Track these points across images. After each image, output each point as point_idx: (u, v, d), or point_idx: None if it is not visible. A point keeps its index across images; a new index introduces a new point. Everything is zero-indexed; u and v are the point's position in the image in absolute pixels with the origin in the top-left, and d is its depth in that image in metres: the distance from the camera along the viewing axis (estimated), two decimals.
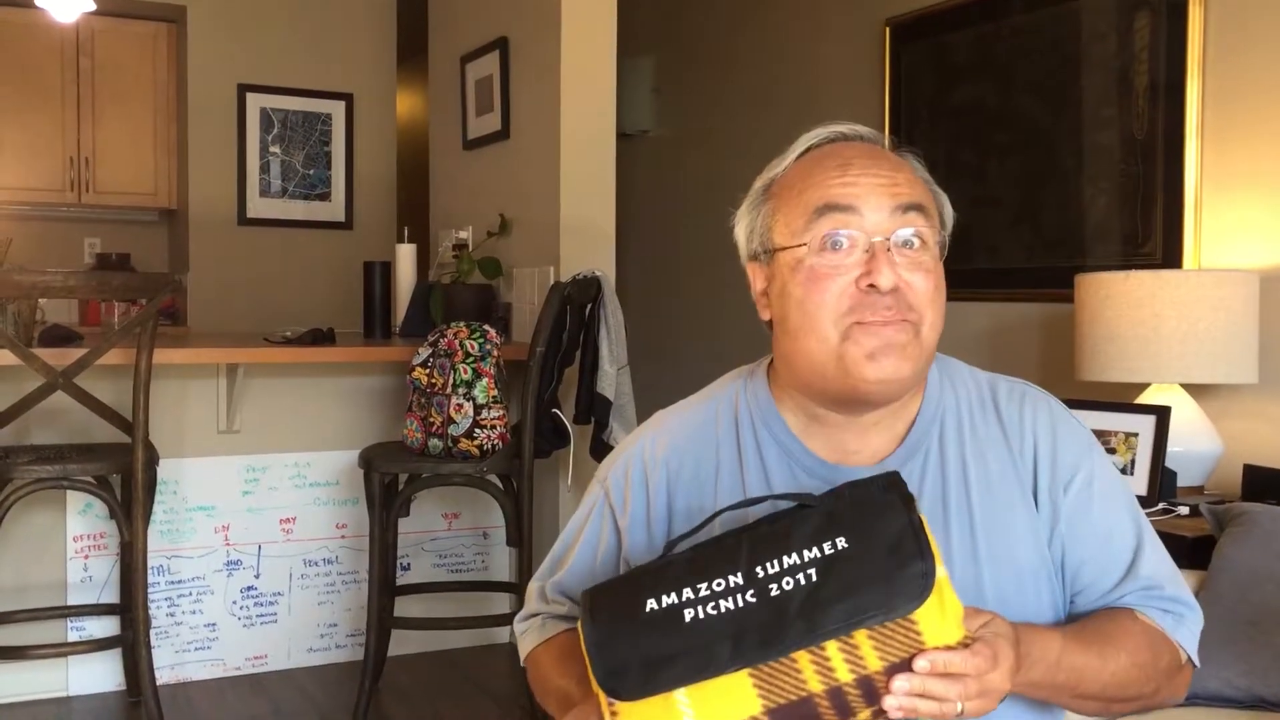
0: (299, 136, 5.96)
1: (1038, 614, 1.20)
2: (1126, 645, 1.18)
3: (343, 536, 3.90)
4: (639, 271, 5.16)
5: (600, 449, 3.45)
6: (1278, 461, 2.68)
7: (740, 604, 1.00)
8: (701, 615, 1.01)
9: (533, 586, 1.39)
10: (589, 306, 3.49)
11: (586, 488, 1.39)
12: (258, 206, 5.89)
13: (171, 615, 3.66)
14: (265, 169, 5.89)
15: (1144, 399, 2.77)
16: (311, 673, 3.80)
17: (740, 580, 1.01)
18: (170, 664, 3.60)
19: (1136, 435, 2.69)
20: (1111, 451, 2.73)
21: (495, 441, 3.27)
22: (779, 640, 0.98)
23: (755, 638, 0.99)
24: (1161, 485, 2.62)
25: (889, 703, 0.98)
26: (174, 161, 5.92)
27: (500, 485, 3.38)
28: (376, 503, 3.31)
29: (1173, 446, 2.65)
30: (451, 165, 4.80)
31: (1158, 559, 1.24)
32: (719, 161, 4.94)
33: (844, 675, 0.98)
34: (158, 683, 3.19)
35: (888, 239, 1.16)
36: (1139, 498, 2.62)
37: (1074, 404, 2.83)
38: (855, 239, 1.16)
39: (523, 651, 1.37)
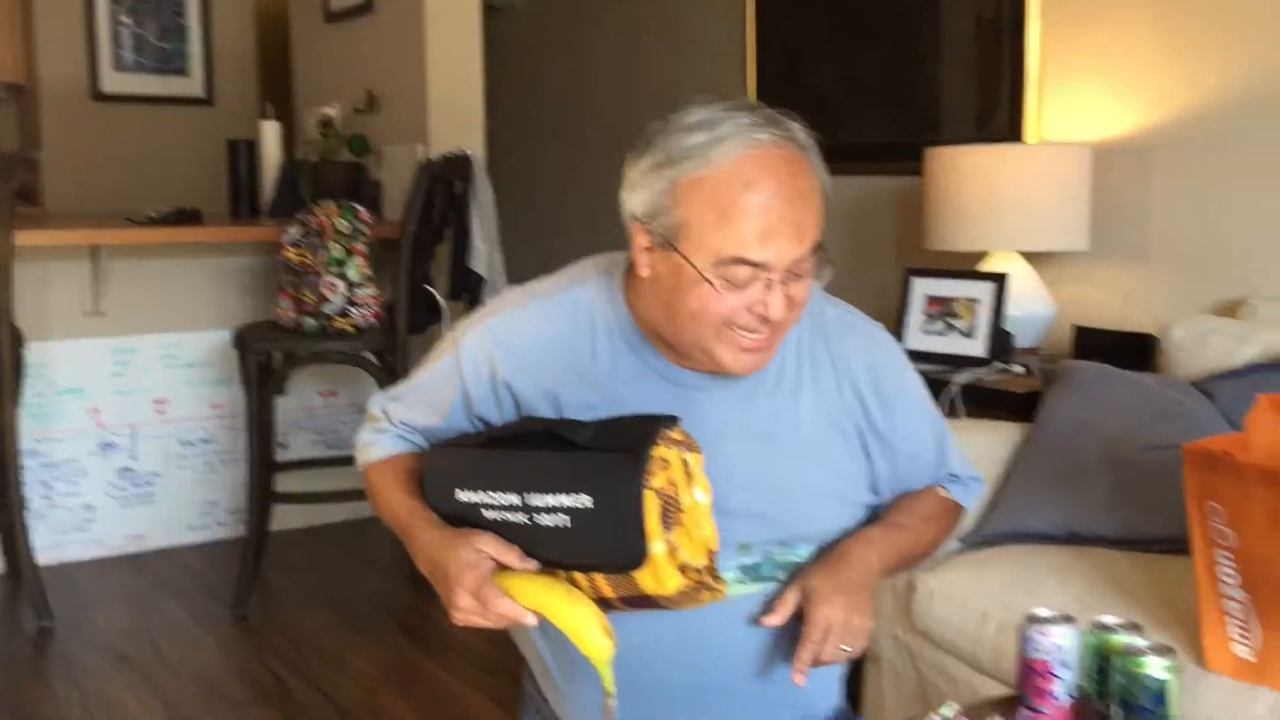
0: (150, 6, 5.73)
1: (854, 512, 1.43)
2: (933, 521, 1.49)
3: (218, 416, 3.93)
4: (510, 148, 5.17)
5: None
6: (1105, 322, 2.90)
7: (517, 521, 1.21)
8: (495, 518, 1.23)
9: (378, 406, 1.48)
10: (459, 184, 3.53)
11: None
12: (111, 81, 5.68)
13: (47, 498, 3.67)
14: (117, 41, 5.67)
15: (985, 266, 2.95)
16: (193, 550, 3.86)
17: (518, 501, 1.21)
18: (49, 545, 3.62)
19: (977, 301, 2.87)
20: (955, 316, 2.91)
21: (369, 319, 3.32)
22: (543, 560, 1.23)
23: (529, 551, 1.22)
24: (999, 346, 2.82)
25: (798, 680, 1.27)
26: (19, 34, 5.66)
27: (376, 362, 3.43)
28: (252, 382, 3.34)
29: (1010, 310, 2.85)
30: (314, 39, 4.71)
31: (955, 452, 1.53)
32: (586, 35, 4.94)
33: (589, 594, 1.23)
34: (37, 564, 3.22)
35: (786, 275, 1.25)
36: (979, 359, 2.82)
37: (921, 273, 3.01)
38: (758, 280, 1.24)
39: (361, 460, 1.47)
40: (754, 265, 1.23)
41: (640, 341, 1.36)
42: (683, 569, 1.19)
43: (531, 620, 1.21)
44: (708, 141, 1.23)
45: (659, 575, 1.18)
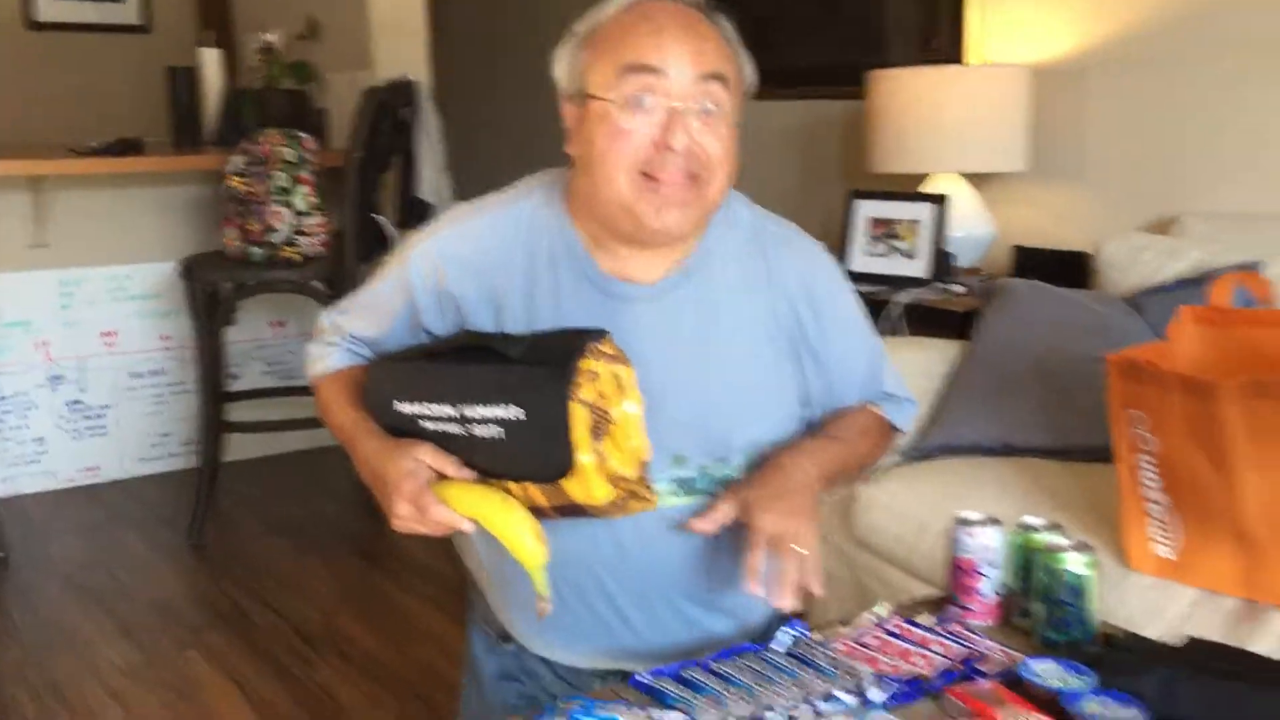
0: None
1: (786, 424, 1.44)
2: (866, 436, 1.50)
3: (167, 348, 3.92)
4: (456, 74, 5.13)
5: None
6: (1044, 241, 2.96)
7: (454, 432, 1.25)
8: (434, 429, 1.26)
9: (328, 319, 1.51)
10: (405, 111, 3.51)
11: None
12: (46, 9, 5.56)
13: None
14: None
15: (927, 188, 3.00)
16: (147, 481, 3.87)
17: (454, 413, 1.24)
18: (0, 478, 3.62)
19: (919, 222, 2.92)
20: (898, 238, 2.96)
21: (317, 248, 3.32)
22: (479, 470, 1.26)
23: (466, 461, 1.26)
24: (940, 267, 2.87)
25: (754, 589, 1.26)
26: None
27: (326, 291, 3.44)
28: (200, 312, 3.34)
29: (952, 231, 2.90)
30: None
31: (890, 371, 1.54)
32: None
33: (524, 502, 1.26)
34: None
35: (688, 104, 1.27)
36: (921, 279, 2.88)
37: (864, 195, 3.06)
38: (658, 102, 1.27)
39: (314, 373, 1.49)
40: (650, 70, 1.26)
41: (581, 251, 1.38)
42: (613, 479, 1.23)
43: (468, 527, 1.24)
44: (609, 2, 1.32)
45: (587, 485, 1.22)
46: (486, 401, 1.22)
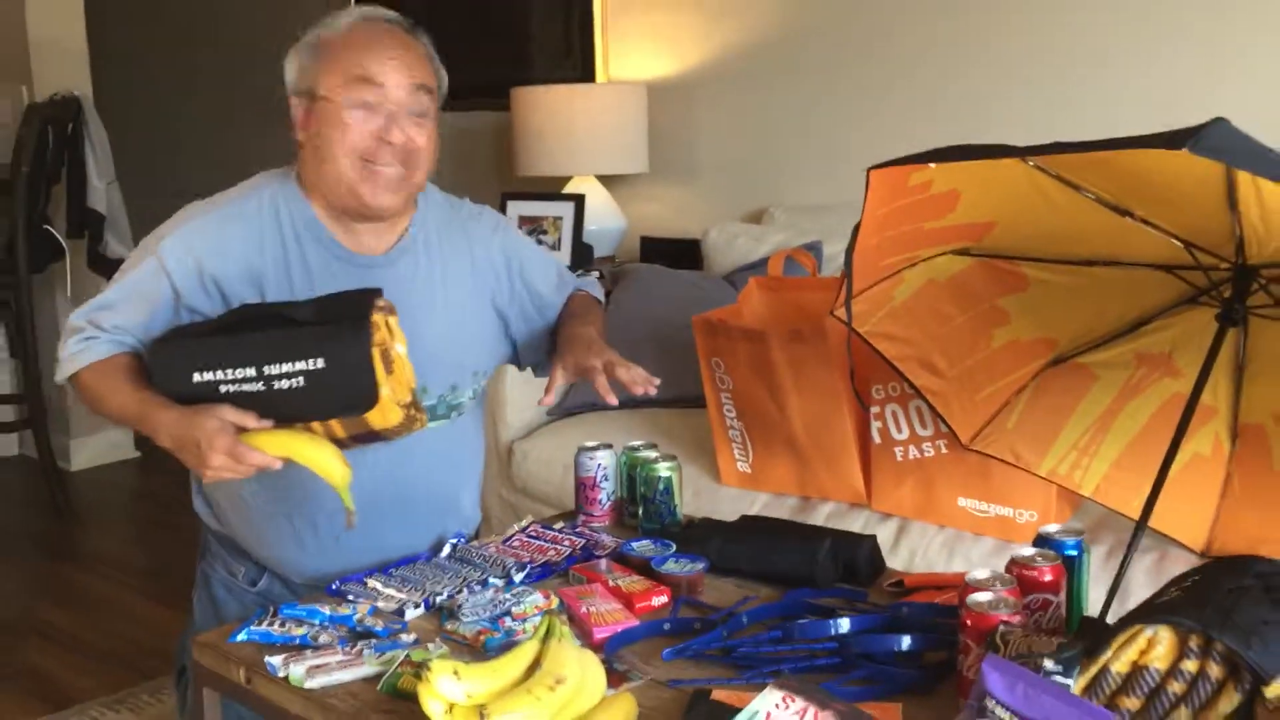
0: None
1: (494, 356, 1.85)
2: (596, 306, 1.92)
3: None
4: (123, 88, 5.15)
5: (97, 261, 3.66)
6: (664, 232, 3.48)
7: (253, 390, 1.47)
8: (231, 390, 1.49)
9: (81, 318, 1.66)
10: (70, 125, 3.62)
11: (134, 258, 1.69)
12: None
13: None
14: None
15: (568, 189, 3.44)
16: None
17: (254, 374, 1.46)
18: None
19: (561, 218, 3.37)
20: (545, 233, 3.39)
21: None
22: (280, 417, 1.49)
23: (271, 416, 1.49)
24: (581, 257, 3.33)
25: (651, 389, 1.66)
26: None
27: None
28: None
29: (589, 225, 3.36)
30: None
31: (568, 273, 1.96)
32: None
33: (324, 436, 1.53)
34: None
35: (402, 109, 1.63)
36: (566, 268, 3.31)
37: (514, 196, 3.47)
38: (380, 105, 1.63)
39: (73, 368, 1.63)
40: (374, 84, 1.62)
41: (323, 232, 1.69)
42: (400, 405, 1.54)
43: (278, 464, 1.50)
44: (336, 15, 1.66)
45: (385, 412, 1.52)
46: (290, 359, 1.47)
